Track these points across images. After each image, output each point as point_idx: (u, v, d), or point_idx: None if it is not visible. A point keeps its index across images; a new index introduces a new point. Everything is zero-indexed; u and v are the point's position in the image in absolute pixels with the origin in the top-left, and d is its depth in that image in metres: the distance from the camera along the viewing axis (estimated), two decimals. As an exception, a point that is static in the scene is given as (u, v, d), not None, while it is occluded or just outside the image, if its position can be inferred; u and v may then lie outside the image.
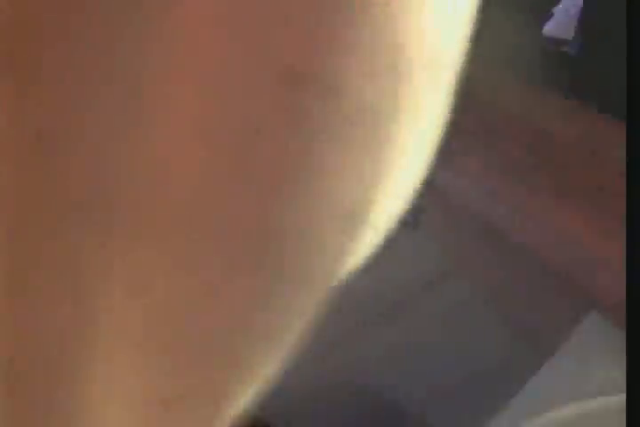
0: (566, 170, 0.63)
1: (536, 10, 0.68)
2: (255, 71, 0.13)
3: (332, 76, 0.13)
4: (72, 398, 0.13)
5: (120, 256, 0.13)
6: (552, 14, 0.67)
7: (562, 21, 0.65)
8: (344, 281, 0.15)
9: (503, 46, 0.64)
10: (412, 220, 0.65)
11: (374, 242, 0.15)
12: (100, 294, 0.13)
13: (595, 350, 0.54)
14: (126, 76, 0.12)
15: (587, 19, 0.61)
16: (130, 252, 0.13)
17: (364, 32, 0.13)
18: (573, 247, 0.56)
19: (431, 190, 0.52)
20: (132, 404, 0.14)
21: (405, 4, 0.13)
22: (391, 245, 0.16)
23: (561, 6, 0.66)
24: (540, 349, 0.58)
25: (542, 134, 0.64)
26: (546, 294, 0.59)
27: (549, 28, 0.67)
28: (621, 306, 0.49)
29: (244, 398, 0.15)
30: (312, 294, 0.14)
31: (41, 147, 0.12)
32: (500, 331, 0.59)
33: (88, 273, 0.13)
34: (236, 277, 0.14)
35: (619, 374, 0.49)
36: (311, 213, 0.14)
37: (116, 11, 0.12)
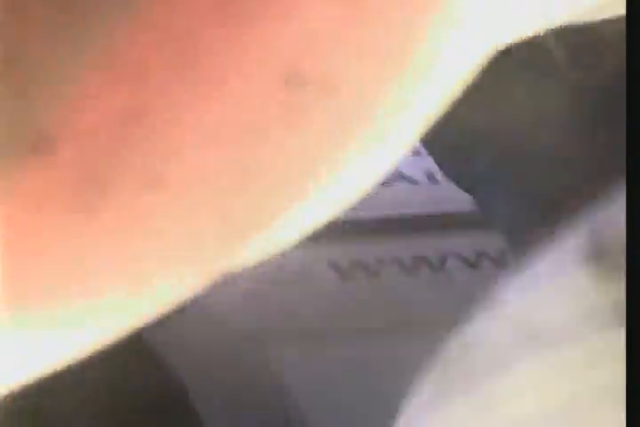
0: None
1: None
2: (255, 71, 0.13)
3: (333, 76, 0.13)
4: None
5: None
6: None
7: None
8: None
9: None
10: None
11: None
12: None
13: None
14: (126, 76, 0.12)
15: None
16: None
17: (367, 32, 0.13)
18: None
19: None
20: None
21: (413, 12, 0.13)
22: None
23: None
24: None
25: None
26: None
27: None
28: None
29: None
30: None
31: (41, 147, 0.12)
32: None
33: None
34: None
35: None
36: (307, 211, 0.14)
37: (114, 11, 0.12)
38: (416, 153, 0.53)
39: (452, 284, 0.55)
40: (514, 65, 0.29)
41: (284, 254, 0.16)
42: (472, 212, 0.59)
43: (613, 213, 0.19)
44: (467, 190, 0.39)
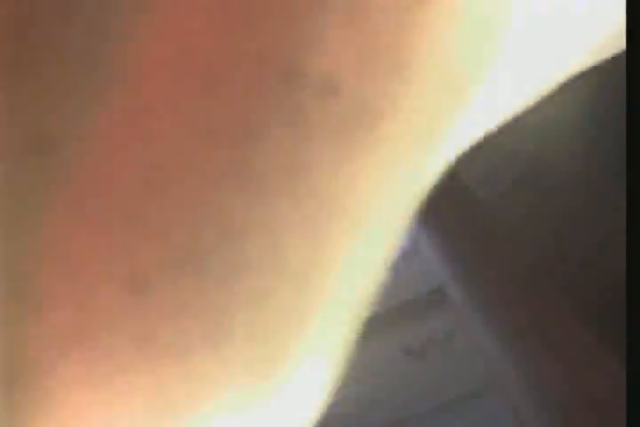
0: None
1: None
2: (255, 70, 0.13)
3: (333, 76, 0.13)
4: None
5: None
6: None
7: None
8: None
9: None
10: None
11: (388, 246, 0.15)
12: None
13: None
14: (126, 75, 0.13)
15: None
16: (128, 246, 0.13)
17: (367, 32, 0.13)
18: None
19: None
20: None
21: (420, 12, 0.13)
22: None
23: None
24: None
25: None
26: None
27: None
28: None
29: None
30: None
31: (41, 147, 0.12)
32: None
33: None
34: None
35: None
36: (309, 211, 0.14)
37: (118, 11, 0.12)
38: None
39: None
40: None
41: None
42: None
43: None
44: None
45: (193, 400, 0.14)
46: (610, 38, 0.16)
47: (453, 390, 0.57)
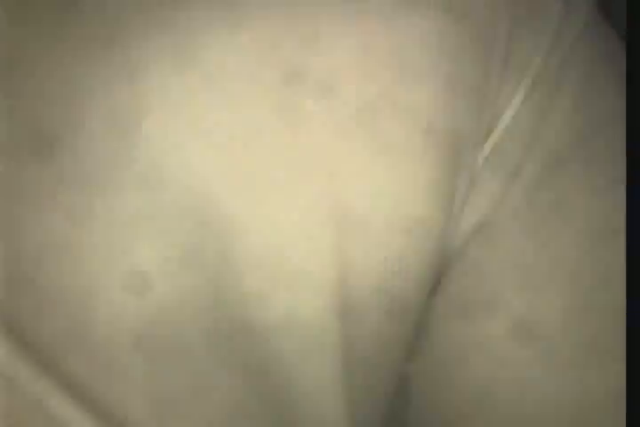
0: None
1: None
2: (257, 71, 0.13)
3: (333, 76, 0.13)
4: None
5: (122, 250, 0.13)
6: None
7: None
8: None
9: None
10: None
11: None
12: None
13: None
14: (127, 75, 0.12)
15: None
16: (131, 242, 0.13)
17: (364, 34, 0.13)
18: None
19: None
20: None
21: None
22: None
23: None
24: None
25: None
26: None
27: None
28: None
29: None
30: None
31: (41, 147, 0.12)
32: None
33: None
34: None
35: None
36: (310, 212, 0.14)
37: (117, 11, 0.12)
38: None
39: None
40: None
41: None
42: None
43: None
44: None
45: None
46: None
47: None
